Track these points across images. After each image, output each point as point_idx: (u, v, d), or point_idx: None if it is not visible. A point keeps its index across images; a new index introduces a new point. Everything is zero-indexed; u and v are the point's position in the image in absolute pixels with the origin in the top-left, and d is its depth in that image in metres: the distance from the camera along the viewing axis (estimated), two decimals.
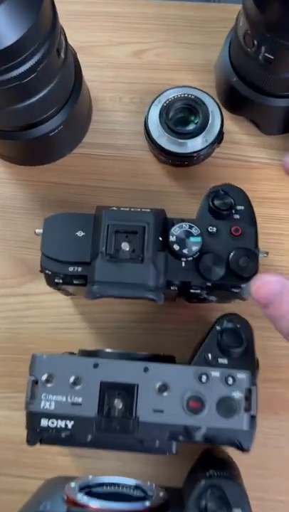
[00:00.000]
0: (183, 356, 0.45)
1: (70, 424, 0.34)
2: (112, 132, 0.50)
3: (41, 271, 0.38)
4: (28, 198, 0.49)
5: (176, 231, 0.35)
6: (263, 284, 0.28)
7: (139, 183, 0.49)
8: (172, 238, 0.35)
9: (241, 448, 0.34)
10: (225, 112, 0.48)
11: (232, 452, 0.37)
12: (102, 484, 0.36)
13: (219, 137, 0.47)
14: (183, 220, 0.36)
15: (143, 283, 0.34)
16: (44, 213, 0.49)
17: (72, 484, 0.36)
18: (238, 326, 0.36)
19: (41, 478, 0.41)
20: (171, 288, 0.37)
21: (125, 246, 0.34)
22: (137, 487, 0.37)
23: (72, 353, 0.43)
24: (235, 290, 0.37)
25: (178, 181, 0.49)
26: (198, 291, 0.37)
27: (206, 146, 0.46)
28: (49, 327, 0.47)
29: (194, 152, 0.46)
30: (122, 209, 0.36)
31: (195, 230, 0.35)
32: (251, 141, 0.50)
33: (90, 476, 0.38)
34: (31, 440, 0.35)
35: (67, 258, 0.37)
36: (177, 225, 0.36)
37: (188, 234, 0.35)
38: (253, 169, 0.49)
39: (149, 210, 0.36)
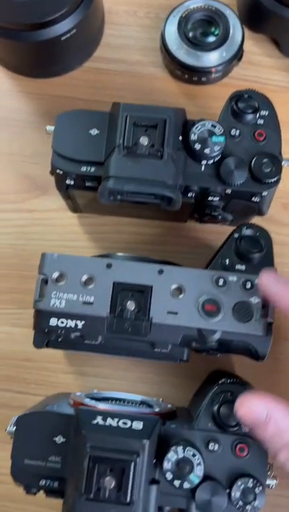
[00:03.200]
0: None
1: (80, 324, 0.33)
2: (126, 47, 0.48)
3: (51, 173, 0.36)
4: (33, 112, 0.47)
5: (197, 129, 0.33)
6: (248, 410, 0.28)
7: (153, 101, 0.46)
8: (193, 137, 0.33)
9: (256, 355, 0.33)
10: (245, 31, 0.46)
11: None
12: (107, 399, 0.35)
13: (239, 53, 0.44)
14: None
15: (162, 180, 0.32)
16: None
17: (78, 393, 0.35)
18: (258, 234, 0.34)
19: (42, 395, 0.40)
20: (188, 195, 0.35)
21: (144, 140, 0.32)
22: (142, 402, 0.36)
23: None
24: (255, 199, 0.35)
25: (193, 100, 0.47)
26: (217, 198, 0.35)
27: (226, 61, 0.44)
28: (54, 245, 0.45)
29: (213, 66, 0.44)
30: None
31: (218, 129, 0.34)
32: (271, 63, 0.47)
33: (95, 390, 0.37)
34: (38, 342, 0.34)
35: (80, 157, 0.34)
36: (199, 123, 0.34)
37: (211, 133, 0.33)
38: (271, 92, 0.46)
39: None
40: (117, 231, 0.45)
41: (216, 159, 0.34)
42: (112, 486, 0.28)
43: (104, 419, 0.30)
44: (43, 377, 0.42)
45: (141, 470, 0.28)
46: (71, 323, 0.33)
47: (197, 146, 0.33)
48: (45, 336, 0.34)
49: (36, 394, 0.42)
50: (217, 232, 0.44)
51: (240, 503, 0.30)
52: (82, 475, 0.28)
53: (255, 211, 0.37)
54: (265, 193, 0.35)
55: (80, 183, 0.36)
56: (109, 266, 0.33)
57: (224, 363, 0.42)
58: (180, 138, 0.34)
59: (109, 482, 0.28)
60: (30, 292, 0.42)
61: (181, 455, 0.29)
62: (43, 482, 0.31)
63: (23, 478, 0.31)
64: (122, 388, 0.42)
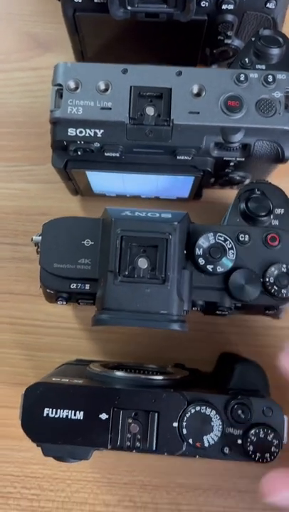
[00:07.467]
0: None
1: (99, 132, 0.32)
2: None
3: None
4: None
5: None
6: (273, 490, 0.26)
7: None
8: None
9: (282, 157, 0.32)
10: None
11: None
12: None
13: None
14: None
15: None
16: None
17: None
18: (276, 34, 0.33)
19: None
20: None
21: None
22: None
23: None
24: (269, 5, 0.34)
25: None
26: (231, 7, 0.34)
27: None
28: None
29: None
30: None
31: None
32: None
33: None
34: (56, 161, 0.33)
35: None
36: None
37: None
38: None
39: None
40: None
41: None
42: (145, 267, 0.28)
43: (133, 212, 0.29)
44: None
45: (174, 250, 0.28)
46: (90, 132, 0.32)
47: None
48: (64, 154, 0.33)
49: None
50: None
51: (275, 287, 0.29)
52: (116, 256, 0.28)
53: (270, 24, 0.36)
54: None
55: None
56: (125, 71, 0.32)
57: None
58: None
59: (143, 263, 0.28)
60: (41, 149, 0.41)
61: (212, 241, 0.29)
62: (74, 285, 0.30)
63: (54, 283, 0.30)
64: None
